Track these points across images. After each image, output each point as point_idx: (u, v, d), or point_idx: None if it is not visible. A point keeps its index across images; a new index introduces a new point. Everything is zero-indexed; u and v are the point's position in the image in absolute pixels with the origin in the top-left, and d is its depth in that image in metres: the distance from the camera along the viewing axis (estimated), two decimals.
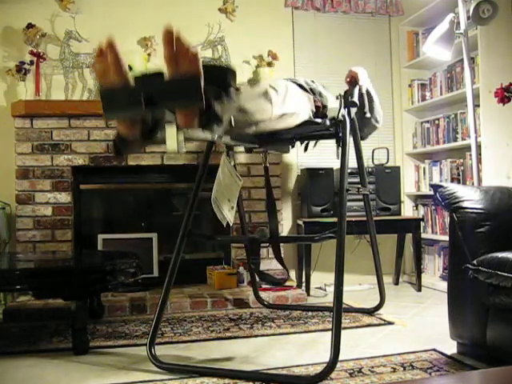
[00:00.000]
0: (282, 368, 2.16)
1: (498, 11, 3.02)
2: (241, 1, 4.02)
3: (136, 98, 1.29)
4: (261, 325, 2.88)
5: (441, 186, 2.30)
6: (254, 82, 1.84)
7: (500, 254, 1.98)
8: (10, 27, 3.74)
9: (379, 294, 3.09)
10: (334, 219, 2.39)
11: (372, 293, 3.71)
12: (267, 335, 2.68)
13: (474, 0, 3.08)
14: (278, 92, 1.97)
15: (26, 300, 3.26)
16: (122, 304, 3.21)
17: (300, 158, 4.06)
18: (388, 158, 4.02)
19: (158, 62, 3.88)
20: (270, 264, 3.81)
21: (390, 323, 2.87)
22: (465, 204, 2.20)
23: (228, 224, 2.62)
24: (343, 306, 2.39)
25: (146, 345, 2.30)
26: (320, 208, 3.82)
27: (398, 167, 4.13)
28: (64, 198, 3.60)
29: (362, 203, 3.04)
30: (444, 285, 2.68)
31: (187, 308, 3.25)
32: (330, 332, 2.08)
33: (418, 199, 4.37)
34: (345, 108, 2.48)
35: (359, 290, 3.91)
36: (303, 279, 3.80)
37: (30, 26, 3.67)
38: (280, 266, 3.76)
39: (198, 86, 1.27)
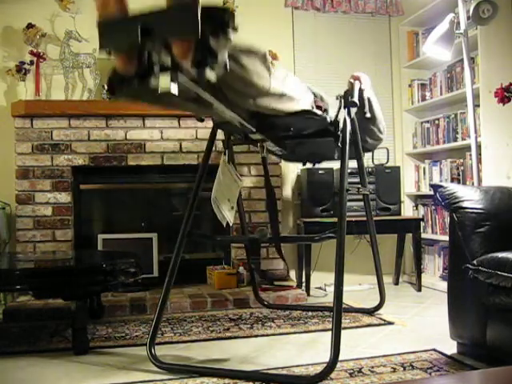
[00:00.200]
0: (282, 368, 2.16)
1: (498, 11, 3.02)
2: (241, 1, 4.01)
3: (133, 28, 1.32)
4: (261, 325, 2.88)
5: (441, 186, 2.30)
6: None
7: (500, 254, 1.98)
8: (9, 27, 3.74)
9: (379, 294, 3.09)
10: (334, 219, 2.39)
11: (372, 293, 3.71)
12: (267, 335, 2.68)
13: (474, 0, 3.08)
14: (277, 70, 1.97)
15: (26, 300, 3.26)
16: (122, 304, 3.21)
17: None
18: (388, 158, 4.02)
19: None
20: (270, 264, 3.82)
21: (390, 323, 2.87)
22: (465, 204, 2.20)
23: (228, 224, 2.61)
24: (343, 305, 2.39)
25: (146, 345, 2.30)
26: (320, 208, 3.82)
27: (398, 167, 4.13)
28: (64, 197, 3.60)
29: (361, 203, 3.04)
30: (444, 285, 2.68)
31: (187, 308, 3.25)
32: (330, 332, 2.08)
33: (418, 199, 4.37)
34: (345, 108, 2.48)
35: (359, 289, 3.91)
36: (303, 279, 3.80)
37: (29, 25, 3.66)
38: (280, 266, 3.79)
39: (195, 15, 1.28)
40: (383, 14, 4.36)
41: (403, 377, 2.02)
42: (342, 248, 2.21)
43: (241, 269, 3.69)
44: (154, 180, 3.86)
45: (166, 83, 1.45)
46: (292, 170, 4.15)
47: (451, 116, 3.95)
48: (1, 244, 3.49)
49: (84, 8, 3.77)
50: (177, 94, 1.49)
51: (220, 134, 2.72)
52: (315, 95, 2.34)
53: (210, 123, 2.67)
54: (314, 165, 3.36)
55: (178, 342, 2.58)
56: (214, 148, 2.67)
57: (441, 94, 4.10)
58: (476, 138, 3.18)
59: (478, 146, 3.28)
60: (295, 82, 2.17)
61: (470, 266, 2.07)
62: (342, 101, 2.49)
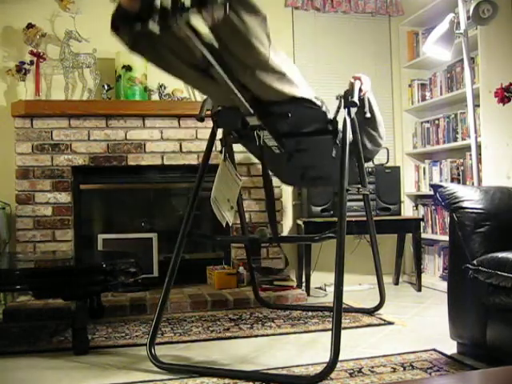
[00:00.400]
0: (282, 368, 2.16)
1: (498, 11, 3.02)
2: None
3: None
4: (261, 325, 2.87)
5: (441, 186, 2.30)
6: None
7: (500, 254, 1.98)
8: (10, 27, 3.74)
9: (379, 294, 3.09)
10: (334, 219, 2.39)
11: (372, 293, 3.71)
12: (267, 335, 2.68)
13: (474, 0, 3.08)
14: (277, 49, 1.99)
15: (26, 300, 3.26)
16: (122, 304, 3.21)
17: None
18: (388, 158, 4.00)
19: None
20: (270, 264, 3.82)
21: (390, 323, 2.87)
22: (465, 204, 2.20)
23: (228, 224, 2.61)
24: (343, 305, 2.39)
25: (146, 345, 2.29)
26: (320, 208, 3.82)
27: (398, 167, 4.13)
28: (64, 197, 3.60)
29: (362, 203, 3.04)
30: (444, 285, 2.68)
31: (187, 308, 3.25)
32: (330, 332, 2.07)
33: (418, 199, 4.37)
34: (345, 108, 2.48)
35: (359, 289, 3.91)
36: (303, 279, 3.80)
37: (29, 25, 3.66)
38: (280, 266, 3.78)
39: None
40: (383, 14, 4.35)
41: (403, 377, 2.02)
42: (341, 248, 2.21)
43: (241, 269, 3.69)
44: (154, 180, 3.86)
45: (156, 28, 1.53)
46: None
47: (451, 116, 3.95)
48: (1, 244, 3.49)
49: (84, 8, 3.78)
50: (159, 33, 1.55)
51: (220, 134, 2.72)
52: (316, 98, 2.34)
53: (209, 123, 2.67)
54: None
55: (177, 342, 2.58)
56: (214, 148, 2.67)
57: (441, 93, 4.10)
58: (476, 138, 3.18)
59: (478, 146, 3.28)
60: (296, 71, 2.18)
61: (469, 266, 2.07)
62: (342, 101, 2.49)
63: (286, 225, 4.08)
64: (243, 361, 2.29)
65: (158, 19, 1.53)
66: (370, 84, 2.84)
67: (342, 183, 2.32)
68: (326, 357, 2.05)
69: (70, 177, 3.62)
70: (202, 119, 2.57)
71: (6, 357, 2.41)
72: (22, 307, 3.13)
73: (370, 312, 3.11)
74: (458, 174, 3.85)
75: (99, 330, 2.83)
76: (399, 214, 4.00)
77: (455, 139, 3.90)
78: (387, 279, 3.86)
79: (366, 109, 2.76)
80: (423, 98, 4.30)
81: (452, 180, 3.90)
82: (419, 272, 3.85)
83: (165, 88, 3.84)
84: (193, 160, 3.76)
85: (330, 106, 2.41)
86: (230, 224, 2.65)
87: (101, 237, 3.60)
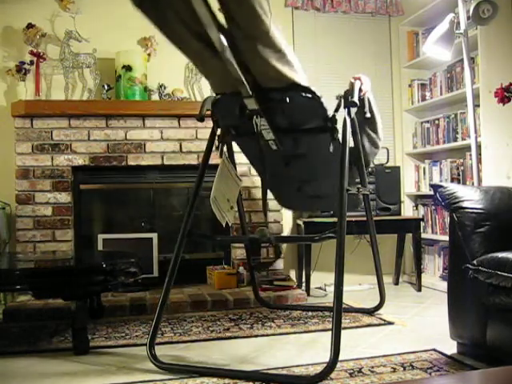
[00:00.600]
0: (282, 368, 2.16)
1: (498, 11, 3.02)
2: None
3: None
4: (261, 325, 2.87)
5: (441, 186, 2.30)
6: None
7: (500, 254, 1.98)
8: (10, 27, 3.74)
9: (379, 294, 3.09)
10: (334, 219, 2.39)
11: (372, 293, 3.71)
12: (267, 335, 2.68)
13: (474, 0, 3.08)
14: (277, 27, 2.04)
15: (26, 300, 3.26)
16: (122, 304, 3.21)
17: None
18: (388, 158, 4.00)
19: (158, 62, 3.89)
20: (270, 264, 3.81)
21: (390, 323, 2.87)
22: (465, 204, 2.20)
23: (228, 224, 2.61)
24: (343, 305, 2.39)
25: (146, 345, 2.29)
26: None
27: (398, 167, 4.13)
28: (64, 197, 3.60)
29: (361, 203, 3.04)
30: (444, 285, 2.68)
31: (187, 308, 3.25)
32: (330, 332, 2.07)
33: (418, 199, 4.37)
34: (345, 108, 2.47)
35: (359, 289, 3.91)
36: (303, 279, 3.80)
37: (29, 25, 3.67)
38: (280, 266, 3.79)
39: None
40: (383, 14, 4.35)
41: (403, 377, 2.02)
42: (342, 248, 2.21)
43: (241, 269, 3.69)
44: (154, 180, 3.86)
45: None
46: None
47: (451, 116, 3.95)
48: (1, 244, 3.49)
49: (84, 8, 3.78)
50: None
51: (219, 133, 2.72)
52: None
53: (209, 123, 2.67)
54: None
55: (177, 342, 2.58)
56: (213, 148, 2.67)
57: (441, 94, 4.10)
58: (476, 138, 3.18)
59: (478, 146, 3.28)
60: (296, 59, 2.21)
61: (469, 266, 2.07)
62: (342, 100, 2.49)
63: (286, 225, 4.08)
64: (243, 361, 2.29)
65: None
66: (370, 84, 2.83)
67: (342, 183, 2.32)
68: (326, 357, 2.05)
69: (70, 177, 3.62)
70: (202, 119, 2.57)
71: (6, 357, 2.41)
72: (22, 307, 3.13)
73: (370, 312, 3.11)
74: (458, 174, 3.85)
75: (99, 329, 2.83)
76: (399, 214, 4.00)
77: (455, 139, 3.90)
78: (387, 279, 3.86)
79: (366, 109, 2.76)
80: (423, 98, 4.30)
81: (452, 180, 3.90)
82: (419, 272, 3.85)
83: (165, 88, 3.84)
84: (193, 160, 3.76)
85: (330, 106, 2.41)
86: (230, 224, 2.65)
87: (101, 237, 3.60)
